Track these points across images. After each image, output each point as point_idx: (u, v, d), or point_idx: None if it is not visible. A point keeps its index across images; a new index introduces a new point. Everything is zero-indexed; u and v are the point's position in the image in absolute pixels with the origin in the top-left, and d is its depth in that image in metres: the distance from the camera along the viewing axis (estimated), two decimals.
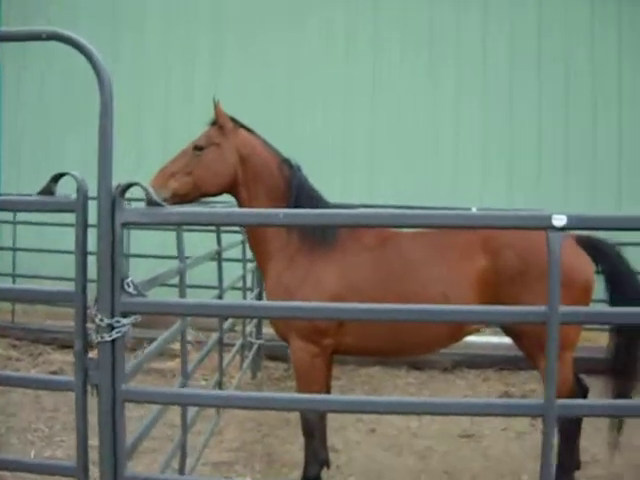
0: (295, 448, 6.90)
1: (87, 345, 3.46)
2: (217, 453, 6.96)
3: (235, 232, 9.15)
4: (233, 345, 8.76)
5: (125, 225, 3.38)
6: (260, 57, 14.47)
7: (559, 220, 3.14)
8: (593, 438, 6.55)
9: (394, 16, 14.35)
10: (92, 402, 3.49)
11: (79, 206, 3.39)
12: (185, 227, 6.01)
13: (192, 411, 6.07)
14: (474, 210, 8.22)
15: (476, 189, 13.88)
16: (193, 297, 4.16)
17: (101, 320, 3.33)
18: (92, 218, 3.39)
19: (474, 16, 14.23)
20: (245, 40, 14.54)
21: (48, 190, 3.48)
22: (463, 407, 3.63)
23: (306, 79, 14.38)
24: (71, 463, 3.57)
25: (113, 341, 3.37)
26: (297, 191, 5.78)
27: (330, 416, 6.49)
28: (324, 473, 6.17)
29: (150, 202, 3.42)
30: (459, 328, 5.70)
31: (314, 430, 5.92)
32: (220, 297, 7.70)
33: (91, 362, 3.43)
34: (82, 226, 3.41)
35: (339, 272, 5.65)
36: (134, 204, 3.65)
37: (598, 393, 5.98)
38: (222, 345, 7.54)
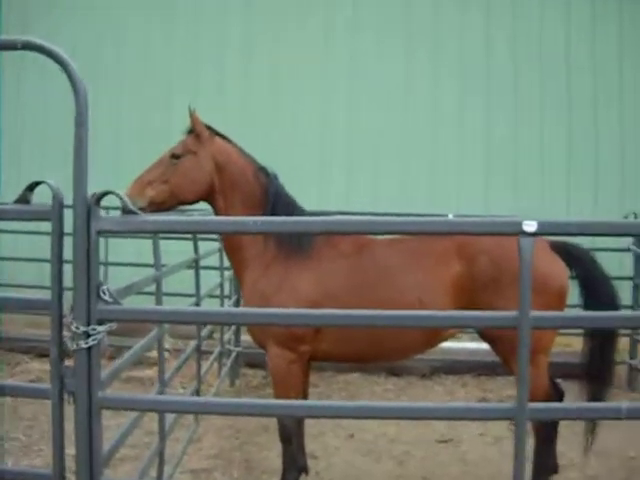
0: (273, 455, 6.91)
1: (63, 353, 3.47)
2: (195, 460, 6.96)
3: (212, 240, 9.16)
4: (211, 353, 8.77)
5: (100, 233, 3.39)
6: (242, 66, 14.52)
7: (530, 226, 3.19)
8: (570, 442, 6.60)
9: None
10: (70, 410, 3.50)
11: (55, 214, 3.41)
12: (162, 235, 6.03)
13: (170, 418, 6.08)
14: (451, 217, 8.27)
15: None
16: (170, 305, 4.17)
17: (77, 328, 3.34)
18: (69, 226, 3.41)
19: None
20: (222, 49, 14.59)
21: (24, 199, 3.49)
22: (438, 411, 3.66)
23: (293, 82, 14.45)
24: (47, 471, 3.58)
25: (89, 349, 3.37)
26: (273, 199, 5.81)
27: (308, 422, 6.52)
28: (303, 479, 6.20)
29: (125, 210, 3.44)
30: (435, 333, 5.74)
31: (291, 436, 5.94)
32: (197, 305, 7.71)
33: (67, 370, 3.44)
34: (58, 234, 3.42)
35: (315, 279, 5.68)
36: (112, 212, 3.67)
37: (574, 397, 6.03)
38: (200, 353, 7.56)
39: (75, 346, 3.36)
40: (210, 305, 9.77)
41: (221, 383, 9.03)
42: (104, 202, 3.45)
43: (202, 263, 8.17)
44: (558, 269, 5.66)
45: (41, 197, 3.63)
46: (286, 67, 14.38)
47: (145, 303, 4.40)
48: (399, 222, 3.51)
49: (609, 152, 13.97)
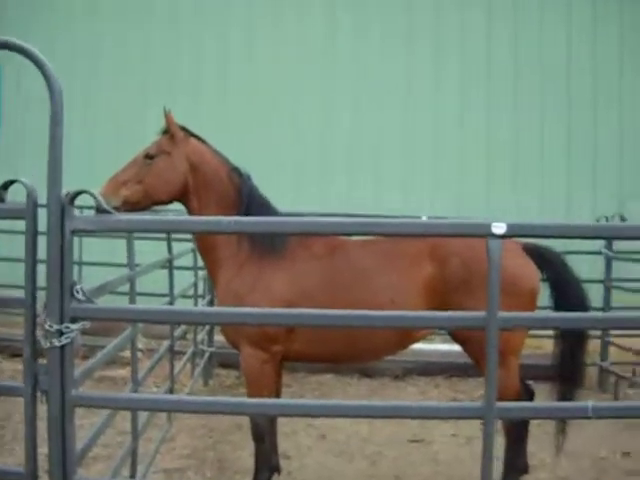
0: (246, 454, 6.92)
1: (36, 351, 3.49)
2: (168, 460, 6.97)
3: (186, 240, 9.16)
4: (184, 353, 8.78)
5: (74, 232, 3.41)
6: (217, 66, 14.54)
7: (499, 228, 3.24)
8: (541, 443, 6.67)
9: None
10: (43, 410, 3.51)
11: (29, 213, 3.42)
12: (136, 235, 6.04)
13: (143, 418, 6.10)
14: (424, 218, 8.32)
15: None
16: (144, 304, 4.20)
17: (50, 326, 3.36)
18: (43, 226, 3.43)
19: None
20: (198, 52, 14.61)
21: None
22: (408, 410, 3.71)
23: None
24: (20, 469, 3.59)
25: (62, 347, 3.39)
26: (247, 199, 5.83)
27: (281, 422, 6.55)
28: (275, 479, 6.23)
29: (99, 210, 3.46)
30: (407, 334, 5.78)
31: (264, 435, 5.96)
32: (171, 304, 7.72)
33: (40, 367, 3.46)
34: (32, 232, 3.44)
35: (289, 279, 5.70)
36: (86, 212, 3.69)
37: (545, 399, 6.09)
38: (173, 353, 7.58)
39: (48, 344, 3.38)
40: (184, 305, 9.77)
41: (195, 383, 9.05)
42: (78, 202, 3.47)
43: (176, 263, 8.20)
44: (529, 271, 5.71)
45: (15, 196, 3.64)
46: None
47: (119, 303, 4.41)
48: (371, 223, 3.55)
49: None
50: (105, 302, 3.67)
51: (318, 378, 10.11)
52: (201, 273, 9.64)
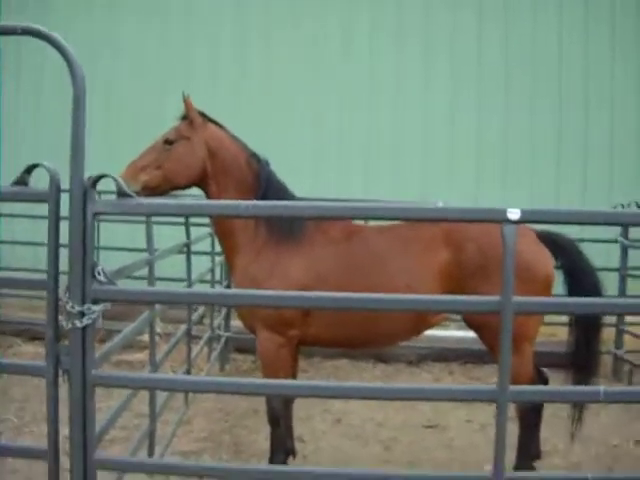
0: (262, 438, 6.98)
1: (59, 332, 3.56)
2: (185, 443, 7.04)
3: (204, 225, 9.21)
4: (201, 338, 8.84)
5: (96, 215, 3.48)
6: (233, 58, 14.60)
7: (514, 214, 3.28)
8: (555, 429, 6.71)
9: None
10: (62, 392, 3.58)
11: (52, 196, 3.49)
12: (154, 220, 6.10)
13: (160, 400, 6.16)
14: (440, 204, 8.33)
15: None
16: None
17: (72, 307, 3.43)
18: (65, 211, 3.49)
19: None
20: (215, 37, 14.66)
21: (22, 181, 3.57)
22: (422, 392, 3.77)
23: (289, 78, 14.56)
24: (43, 446, 3.67)
25: (84, 328, 3.46)
26: (265, 184, 5.89)
27: (296, 406, 6.60)
28: (290, 462, 6.29)
29: (120, 193, 3.52)
30: (422, 319, 5.83)
31: (279, 418, 6.03)
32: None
33: (62, 348, 3.53)
34: (54, 216, 3.50)
35: (306, 264, 5.76)
36: (104, 197, 3.75)
37: (559, 386, 6.12)
38: (190, 337, 7.64)
39: (70, 325, 3.44)
40: None
41: (211, 367, 9.11)
42: (98, 187, 3.54)
43: (193, 248, 8.25)
44: (543, 257, 5.74)
45: (37, 183, 3.70)
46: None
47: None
48: (388, 208, 3.61)
49: (599, 154, 14.11)
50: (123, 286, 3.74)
51: (334, 363, 10.16)
52: (218, 259, 9.70)
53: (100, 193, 3.57)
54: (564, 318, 6.32)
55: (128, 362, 9.40)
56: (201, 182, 5.92)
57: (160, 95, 13.84)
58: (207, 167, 5.85)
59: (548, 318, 6.84)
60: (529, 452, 6.03)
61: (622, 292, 9.97)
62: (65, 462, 3.64)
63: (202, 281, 9.28)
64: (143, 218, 6.38)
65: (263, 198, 5.71)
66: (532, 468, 5.96)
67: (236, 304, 5.19)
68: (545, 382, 6.12)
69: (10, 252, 12.51)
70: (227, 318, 10.17)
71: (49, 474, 3.61)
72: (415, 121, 14.38)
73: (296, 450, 6.41)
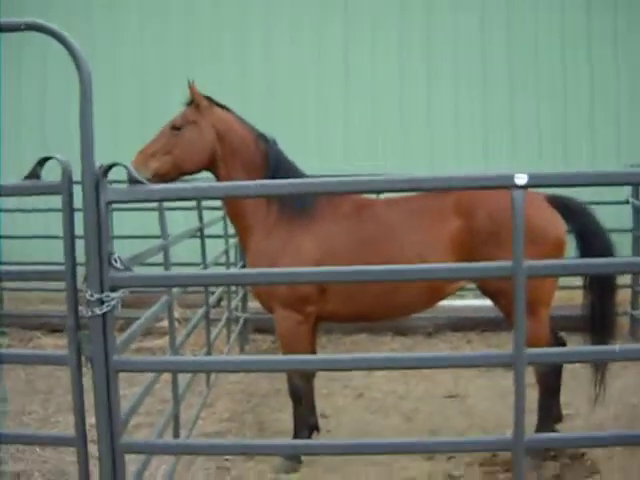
0: (286, 416, 7.01)
1: (79, 321, 3.62)
2: (209, 424, 7.11)
3: (216, 208, 9.25)
4: (219, 320, 8.91)
5: (109, 204, 3.52)
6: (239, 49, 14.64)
7: (521, 179, 3.31)
8: (575, 393, 6.77)
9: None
10: (86, 382, 3.64)
11: (65, 188, 3.53)
12: (166, 205, 6.15)
13: (183, 384, 6.23)
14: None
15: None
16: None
17: (91, 295, 3.48)
18: (76, 202, 3.53)
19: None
20: (219, 29, 14.68)
21: (34, 174, 3.61)
22: (440, 360, 3.82)
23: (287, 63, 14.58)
24: (71, 434, 3.73)
25: (104, 315, 3.51)
26: (274, 164, 5.94)
27: (318, 384, 6.66)
28: (314, 438, 6.36)
29: (132, 181, 3.56)
30: (437, 288, 5.87)
31: (302, 395, 6.10)
32: None
33: (83, 336, 3.58)
34: (68, 206, 3.55)
35: (318, 240, 5.81)
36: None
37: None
38: (209, 320, 7.69)
39: (90, 313, 3.50)
40: None
41: (231, 349, 9.17)
42: (108, 177, 3.58)
43: (207, 232, 8.30)
44: (554, 220, 5.76)
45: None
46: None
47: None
48: (396, 180, 3.66)
49: (605, 147, 14.17)
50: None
51: (353, 338, 10.24)
52: (232, 241, 9.75)
53: (110, 182, 3.60)
54: (581, 282, 6.34)
55: (148, 349, 9.48)
56: (211, 165, 5.97)
57: (164, 81, 13.89)
58: (216, 150, 5.90)
59: (566, 282, 6.87)
60: (550, 416, 6.08)
61: (636, 253, 9.98)
62: (93, 451, 3.70)
63: (217, 264, 9.33)
64: (154, 205, 6.44)
65: (273, 177, 5.75)
66: (554, 431, 6.00)
67: (253, 282, 5.23)
68: (563, 346, 6.15)
69: (22, 246, 12.55)
70: (244, 299, 10.25)
71: (78, 460, 3.67)
72: (420, 104, 14.47)
73: (319, 426, 6.48)
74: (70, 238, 3.57)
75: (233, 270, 9.35)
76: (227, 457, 6.09)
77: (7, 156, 14.19)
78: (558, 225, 5.77)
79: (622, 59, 14.23)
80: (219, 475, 5.90)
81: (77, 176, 3.44)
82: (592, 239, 5.90)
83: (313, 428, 6.37)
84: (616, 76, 14.23)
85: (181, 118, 5.91)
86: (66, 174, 3.53)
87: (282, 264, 5.61)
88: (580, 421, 6.80)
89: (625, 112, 14.26)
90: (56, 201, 3.61)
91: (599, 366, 5.91)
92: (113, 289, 3.52)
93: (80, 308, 3.59)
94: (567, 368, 6.40)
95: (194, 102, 5.91)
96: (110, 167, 3.52)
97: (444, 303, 6.46)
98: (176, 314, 6.60)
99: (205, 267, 7.99)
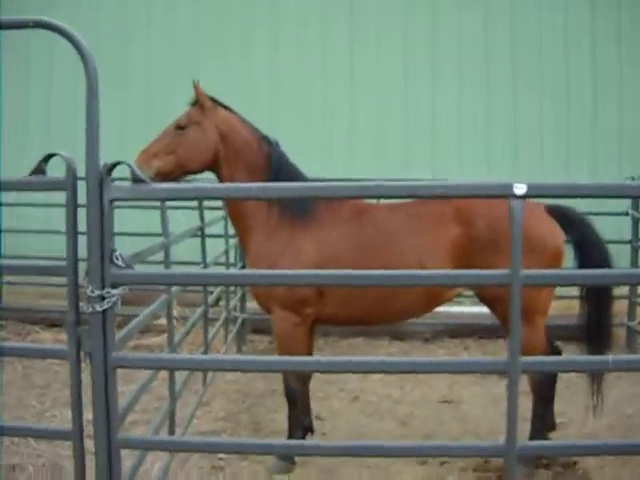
0: (281, 417, 7.02)
1: (79, 316, 3.65)
2: (204, 423, 7.13)
3: (217, 208, 9.28)
4: (217, 320, 8.93)
5: (112, 202, 3.56)
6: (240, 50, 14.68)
7: (520, 189, 3.35)
8: (569, 402, 6.79)
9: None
10: (84, 377, 3.68)
11: (69, 184, 3.57)
12: (168, 204, 6.18)
13: (179, 382, 6.25)
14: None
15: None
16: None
17: (92, 291, 3.51)
18: (80, 199, 3.57)
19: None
20: (225, 29, 14.71)
21: (39, 170, 3.65)
22: (436, 365, 3.85)
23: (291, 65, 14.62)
24: (68, 427, 3.76)
25: (104, 311, 3.55)
26: (277, 166, 5.97)
27: (314, 386, 6.68)
28: (309, 439, 6.39)
29: (135, 179, 3.60)
30: (435, 294, 5.89)
31: (297, 397, 6.12)
32: None
33: (83, 331, 3.62)
34: (72, 202, 3.58)
35: (318, 244, 5.83)
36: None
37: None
38: (207, 319, 7.72)
39: (91, 309, 3.53)
40: None
41: (228, 349, 9.20)
42: (112, 175, 3.62)
43: (207, 231, 8.33)
44: (553, 231, 5.79)
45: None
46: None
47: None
48: (396, 186, 3.68)
49: (607, 147, 14.19)
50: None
51: (350, 342, 10.26)
52: (232, 241, 9.77)
53: (114, 180, 3.63)
54: (578, 291, 6.36)
55: (146, 346, 9.50)
56: (213, 166, 6.00)
57: (168, 89, 13.93)
58: (219, 151, 5.93)
59: (563, 291, 6.90)
60: (543, 424, 6.10)
61: (634, 265, 10.00)
62: (88, 445, 3.73)
63: (217, 263, 9.36)
64: (156, 203, 6.47)
65: (275, 179, 5.80)
66: (547, 439, 6.02)
67: (252, 283, 5.27)
68: (558, 355, 6.17)
69: (23, 241, 12.56)
70: (243, 300, 10.28)
71: (74, 454, 3.70)
72: (425, 105, 14.47)
73: (314, 428, 6.51)
74: (73, 234, 3.60)
75: (233, 270, 9.40)
76: (221, 456, 6.11)
77: (13, 152, 14.20)
78: (557, 236, 5.80)
79: (626, 58, 14.27)
80: (213, 473, 5.93)
81: (81, 172, 3.47)
82: (590, 250, 5.92)
83: (307, 430, 6.40)
84: (619, 75, 14.25)
85: (185, 118, 5.95)
86: (70, 171, 3.56)
87: (281, 266, 5.64)
88: (573, 430, 6.82)
89: (628, 111, 14.27)
90: (58, 196, 3.65)
91: (595, 376, 5.93)
92: (114, 286, 3.56)
93: (80, 304, 3.62)
94: (561, 377, 6.44)
95: (198, 102, 5.95)
96: (114, 165, 3.56)
97: (442, 309, 6.50)
98: (175, 312, 6.62)
99: (205, 266, 8.03)
